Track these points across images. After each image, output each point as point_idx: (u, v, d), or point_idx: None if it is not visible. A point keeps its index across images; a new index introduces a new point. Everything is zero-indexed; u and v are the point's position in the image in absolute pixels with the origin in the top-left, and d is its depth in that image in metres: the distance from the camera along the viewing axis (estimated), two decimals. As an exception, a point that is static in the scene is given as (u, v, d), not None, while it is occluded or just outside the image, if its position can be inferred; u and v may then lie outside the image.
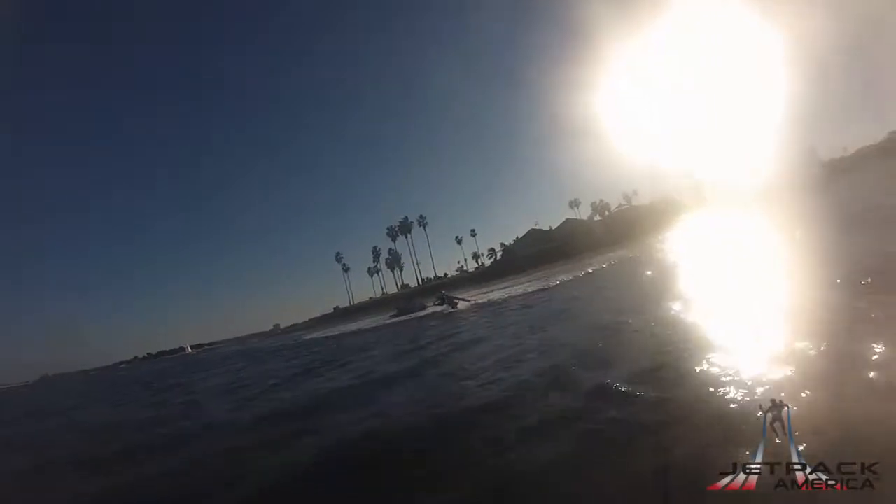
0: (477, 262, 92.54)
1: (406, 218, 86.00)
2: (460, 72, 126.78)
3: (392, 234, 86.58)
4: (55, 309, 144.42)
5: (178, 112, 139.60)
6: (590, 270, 23.37)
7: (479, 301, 21.98)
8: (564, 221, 72.71)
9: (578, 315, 10.27)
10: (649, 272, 15.32)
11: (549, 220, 79.24)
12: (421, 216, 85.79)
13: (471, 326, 13.25)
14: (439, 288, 41.64)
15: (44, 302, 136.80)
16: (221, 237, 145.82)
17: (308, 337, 35.54)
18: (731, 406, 3.56)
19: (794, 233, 13.73)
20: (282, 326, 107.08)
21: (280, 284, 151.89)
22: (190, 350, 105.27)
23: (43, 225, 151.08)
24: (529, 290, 21.80)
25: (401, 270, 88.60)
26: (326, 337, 28.04)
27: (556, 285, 20.42)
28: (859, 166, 47.65)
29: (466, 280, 58.43)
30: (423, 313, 24.68)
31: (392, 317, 27.58)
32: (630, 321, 7.29)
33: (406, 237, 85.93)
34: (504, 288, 28.22)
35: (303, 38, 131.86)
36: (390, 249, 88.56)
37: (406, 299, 32.75)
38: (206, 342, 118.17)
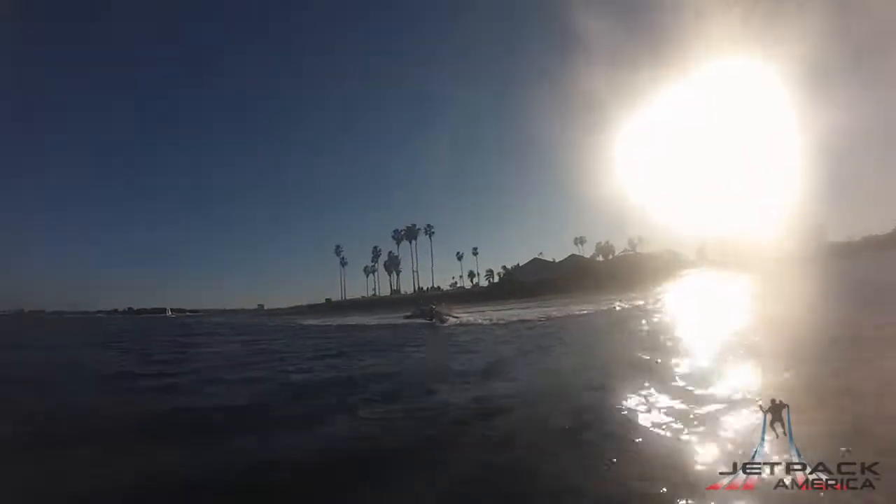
0: (472, 280, 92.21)
1: (414, 225, 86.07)
2: (490, 93, 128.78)
3: (397, 237, 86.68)
4: (37, 243, 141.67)
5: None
6: (603, 308, 21.87)
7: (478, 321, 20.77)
8: (569, 256, 72.99)
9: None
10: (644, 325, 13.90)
11: (551, 254, 79.29)
12: (428, 225, 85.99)
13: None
14: (436, 299, 41.18)
15: (27, 232, 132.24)
16: (217, 205, 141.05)
17: (308, 323, 33.34)
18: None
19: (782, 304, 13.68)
20: (265, 308, 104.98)
21: (267, 265, 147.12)
22: (170, 314, 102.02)
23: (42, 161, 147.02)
24: (526, 317, 20.34)
25: (398, 275, 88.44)
26: (351, 325, 25.60)
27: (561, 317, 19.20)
28: (862, 254, 47.72)
29: (464, 296, 58.12)
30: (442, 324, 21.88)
31: (407, 317, 25.36)
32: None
33: (411, 243, 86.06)
34: (501, 310, 27.04)
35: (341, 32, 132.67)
36: (390, 252, 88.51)
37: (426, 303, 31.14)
38: (188, 309, 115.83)
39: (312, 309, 74.68)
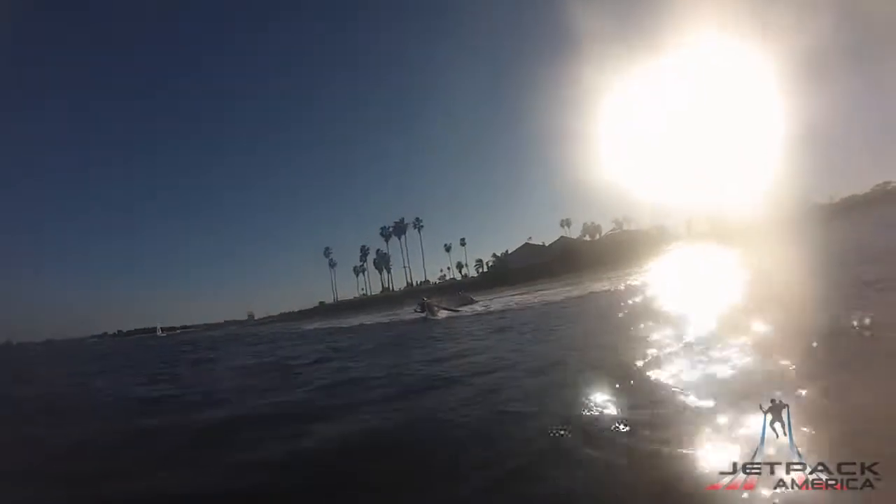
0: (460, 271, 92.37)
1: (402, 219, 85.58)
2: (467, 80, 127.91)
3: (385, 234, 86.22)
4: (23, 273, 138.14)
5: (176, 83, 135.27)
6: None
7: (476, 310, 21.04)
8: (558, 239, 73.41)
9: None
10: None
11: (539, 237, 79.89)
12: (417, 219, 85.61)
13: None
14: (428, 292, 41.13)
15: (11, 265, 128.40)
16: (193, 215, 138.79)
17: (310, 327, 32.27)
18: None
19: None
20: (255, 317, 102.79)
21: (252, 273, 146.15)
22: (161, 332, 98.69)
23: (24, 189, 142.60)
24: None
25: (388, 272, 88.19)
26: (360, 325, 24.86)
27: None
28: (844, 215, 48.86)
29: (455, 288, 58.19)
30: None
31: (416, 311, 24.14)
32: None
33: (400, 238, 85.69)
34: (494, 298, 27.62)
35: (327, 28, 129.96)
36: (378, 250, 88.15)
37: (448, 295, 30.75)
38: (178, 326, 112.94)
39: (305, 314, 73.95)
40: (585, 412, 4.33)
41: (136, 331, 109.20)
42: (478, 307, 22.90)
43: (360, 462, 3.99)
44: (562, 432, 3.88)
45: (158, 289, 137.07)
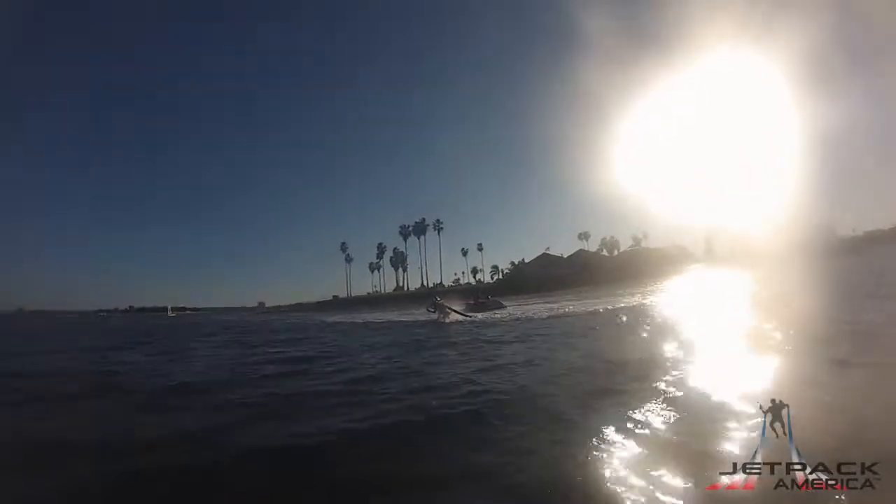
0: (474, 277, 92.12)
1: (423, 219, 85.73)
2: (498, 83, 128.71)
3: (405, 233, 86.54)
4: (33, 243, 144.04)
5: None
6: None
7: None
8: (577, 252, 72.82)
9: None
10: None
11: (555, 249, 79.16)
12: (437, 220, 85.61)
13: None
14: (445, 293, 40.62)
15: (24, 232, 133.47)
16: (215, 203, 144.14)
17: (331, 320, 30.26)
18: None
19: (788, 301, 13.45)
20: (266, 306, 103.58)
21: (265, 262, 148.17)
22: (171, 313, 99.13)
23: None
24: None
25: (405, 271, 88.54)
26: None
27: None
28: (867, 249, 46.84)
29: (471, 292, 58.08)
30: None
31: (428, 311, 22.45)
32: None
33: (419, 238, 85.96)
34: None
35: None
36: (395, 248, 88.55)
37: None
38: (189, 307, 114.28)
39: (321, 306, 74.81)
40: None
41: (149, 308, 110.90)
42: (498, 314, 21.37)
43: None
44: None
45: (173, 273, 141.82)
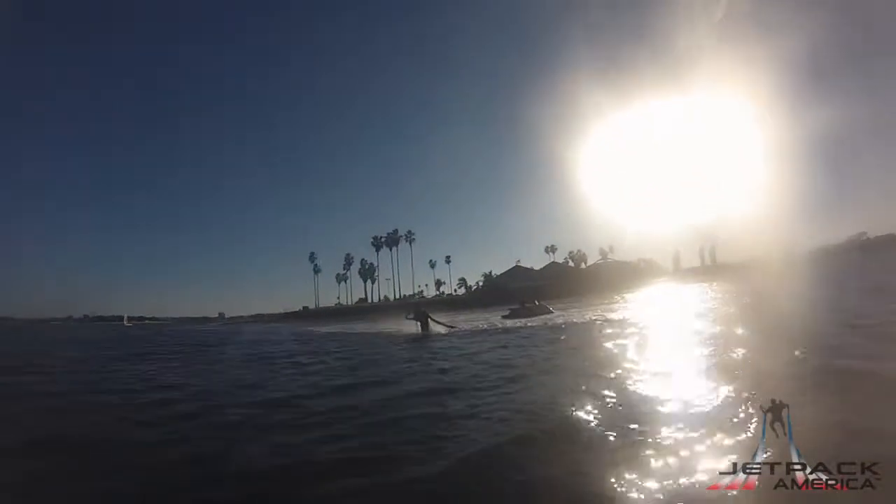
0: (438, 289, 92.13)
1: (396, 230, 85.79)
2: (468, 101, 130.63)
3: (377, 244, 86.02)
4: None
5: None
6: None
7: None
8: (550, 264, 74.59)
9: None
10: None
11: (523, 262, 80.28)
12: (409, 231, 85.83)
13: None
14: (424, 305, 39.75)
15: None
16: (173, 209, 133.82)
17: (325, 330, 27.51)
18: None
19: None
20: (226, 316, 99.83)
21: (225, 271, 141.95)
22: (127, 322, 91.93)
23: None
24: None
25: (374, 282, 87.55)
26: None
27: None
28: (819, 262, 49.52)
29: (444, 304, 57.84)
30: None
31: (505, 317, 22.38)
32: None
33: (391, 250, 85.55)
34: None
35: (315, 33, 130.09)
36: (363, 259, 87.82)
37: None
38: (147, 316, 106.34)
39: (285, 317, 72.44)
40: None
41: (101, 318, 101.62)
42: (532, 322, 19.28)
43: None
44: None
45: (122, 278, 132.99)
